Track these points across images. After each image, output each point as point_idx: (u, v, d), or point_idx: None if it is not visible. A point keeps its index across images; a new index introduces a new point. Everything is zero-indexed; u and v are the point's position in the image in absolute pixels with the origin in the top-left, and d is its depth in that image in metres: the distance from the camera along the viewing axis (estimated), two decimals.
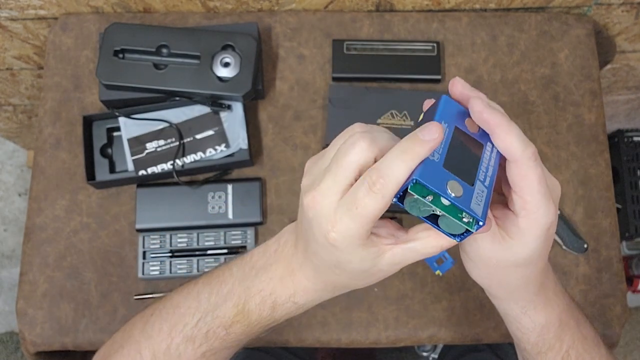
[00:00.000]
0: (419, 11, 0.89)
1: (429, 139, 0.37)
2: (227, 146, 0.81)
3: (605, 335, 0.78)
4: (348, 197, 0.38)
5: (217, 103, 0.80)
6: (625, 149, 1.41)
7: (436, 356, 1.19)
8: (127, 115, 0.81)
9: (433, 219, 0.39)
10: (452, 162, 0.38)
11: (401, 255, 0.41)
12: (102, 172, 0.81)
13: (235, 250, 0.80)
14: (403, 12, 0.89)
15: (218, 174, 0.82)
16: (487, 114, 0.39)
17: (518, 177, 0.39)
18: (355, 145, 0.39)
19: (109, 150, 0.82)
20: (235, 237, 0.80)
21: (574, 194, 0.83)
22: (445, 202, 0.37)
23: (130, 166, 0.80)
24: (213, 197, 0.80)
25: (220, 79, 0.78)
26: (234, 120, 0.81)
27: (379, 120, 0.82)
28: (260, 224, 0.81)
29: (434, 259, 0.80)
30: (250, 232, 0.80)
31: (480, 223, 0.37)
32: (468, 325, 0.78)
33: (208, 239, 0.80)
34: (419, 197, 0.37)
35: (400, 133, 0.80)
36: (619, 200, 1.37)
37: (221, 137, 0.81)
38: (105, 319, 0.78)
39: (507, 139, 0.39)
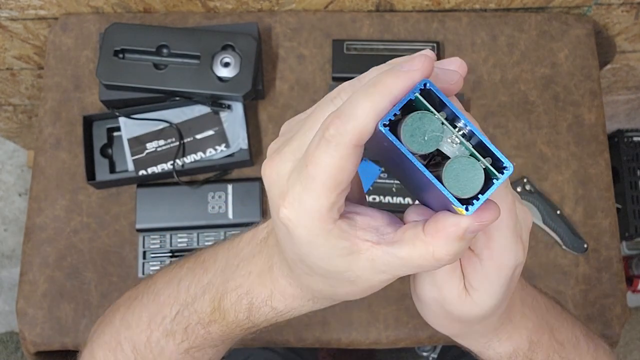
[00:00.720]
0: (419, 11, 0.89)
1: (413, 68, 0.26)
2: (227, 146, 0.81)
3: (605, 335, 0.78)
4: (302, 156, 0.28)
5: (217, 103, 0.80)
6: (625, 149, 1.41)
7: (436, 356, 1.19)
8: (127, 115, 0.81)
9: (435, 169, 0.27)
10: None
11: (383, 261, 0.29)
12: (102, 172, 0.81)
13: None
14: (403, 12, 0.89)
15: (218, 174, 0.82)
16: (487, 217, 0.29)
17: (491, 236, 0.32)
18: (337, 98, 0.29)
19: (109, 150, 0.82)
20: None
21: (574, 194, 0.83)
22: (462, 126, 0.26)
23: (131, 166, 0.80)
24: (213, 197, 0.80)
25: (220, 79, 0.78)
26: (234, 120, 0.81)
27: None
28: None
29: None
30: None
31: (508, 168, 0.26)
32: None
33: (208, 239, 0.80)
34: (429, 112, 0.26)
35: None
36: (619, 200, 1.37)
37: (221, 137, 0.81)
38: None
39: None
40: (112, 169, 0.82)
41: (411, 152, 0.26)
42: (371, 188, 0.81)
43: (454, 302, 0.34)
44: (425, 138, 0.26)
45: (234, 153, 0.81)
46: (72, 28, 0.87)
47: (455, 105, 0.26)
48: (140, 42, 0.79)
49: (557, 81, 0.86)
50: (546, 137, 0.85)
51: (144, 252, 0.79)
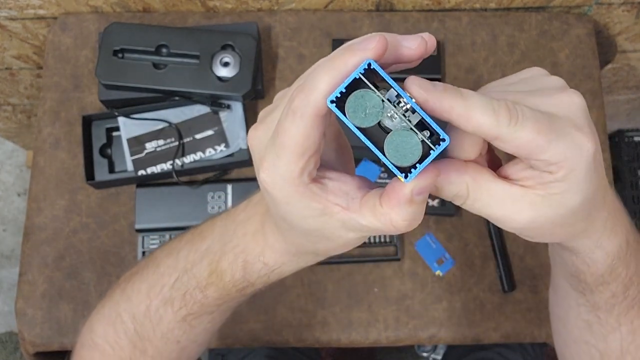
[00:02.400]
0: (419, 11, 0.88)
1: (364, 47, 0.29)
2: (227, 146, 0.80)
3: None
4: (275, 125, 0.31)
5: (216, 103, 0.80)
6: (625, 148, 1.42)
7: (437, 357, 1.19)
8: (127, 115, 0.80)
9: (378, 141, 0.29)
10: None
11: (352, 224, 0.33)
12: (101, 172, 0.81)
13: None
14: (403, 11, 0.88)
15: (218, 174, 0.82)
16: (435, 98, 0.31)
17: (513, 149, 0.31)
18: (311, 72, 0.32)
19: (109, 150, 0.82)
20: None
21: None
22: (402, 105, 0.29)
23: (130, 166, 0.80)
24: (213, 197, 0.80)
25: (219, 78, 0.78)
26: (233, 120, 0.81)
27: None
28: None
29: (434, 259, 0.79)
30: None
31: (446, 141, 0.29)
32: (468, 325, 0.78)
33: None
34: (370, 90, 0.29)
35: None
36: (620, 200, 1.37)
37: (221, 137, 0.81)
38: None
39: (473, 120, 0.30)
40: (112, 169, 0.81)
41: (355, 126, 0.29)
42: None
43: (539, 212, 0.33)
44: (367, 113, 0.28)
45: (233, 153, 0.81)
46: (71, 28, 0.86)
47: (398, 84, 0.29)
48: (139, 42, 0.79)
49: None
50: None
51: (144, 253, 0.79)
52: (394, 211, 0.31)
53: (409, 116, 0.29)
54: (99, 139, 0.82)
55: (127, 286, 0.48)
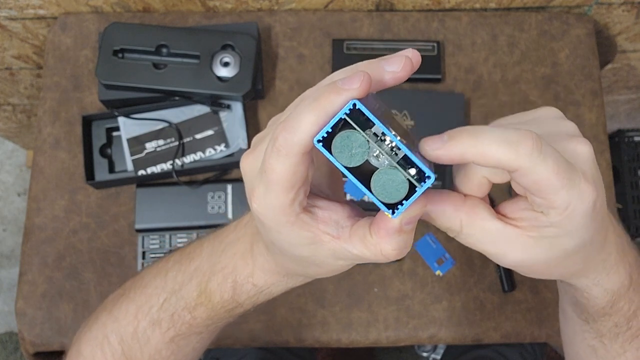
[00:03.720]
0: (419, 11, 0.88)
1: (349, 87, 0.28)
2: (227, 146, 0.80)
3: None
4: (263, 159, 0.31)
5: (216, 103, 0.80)
6: (625, 148, 1.41)
7: (437, 357, 1.19)
8: (127, 115, 0.80)
9: (365, 179, 0.30)
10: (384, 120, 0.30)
11: (341, 252, 0.33)
12: (101, 172, 0.81)
13: None
14: (403, 11, 0.88)
15: (218, 173, 0.82)
16: (445, 152, 0.31)
17: (528, 182, 0.31)
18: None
19: (109, 150, 0.82)
20: None
21: None
22: (387, 143, 0.29)
23: (130, 166, 0.80)
24: (213, 197, 0.80)
25: (219, 78, 0.78)
26: (233, 120, 0.81)
27: None
28: None
29: (434, 259, 0.79)
30: None
31: (430, 179, 0.29)
32: (468, 325, 0.78)
33: None
34: (356, 130, 0.29)
35: None
36: (620, 200, 1.37)
37: (221, 137, 0.81)
38: None
39: (489, 155, 0.30)
40: (112, 169, 0.82)
41: (342, 165, 0.29)
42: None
43: (536, 252, 0.34)
44: (352, 153, 0.29)
45: (233, 153, 0.81)
46: (72, 27, 0.86)
47: (383, 122, 0.28)
48: (139, 42, 0.79)
49: (558, 81, 0.86)
50: None
51: (144, 253, 0.79)
52: (383, 241, 0.32)
53: (395, 153, 0.29)
54: (99, 139, 0.82)
55: (114, 308, 0.48)
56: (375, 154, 0.29)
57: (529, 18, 0.88)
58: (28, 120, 1.32)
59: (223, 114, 0.81)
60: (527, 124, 0.36)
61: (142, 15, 0.87)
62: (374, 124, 0.29)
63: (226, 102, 0.81)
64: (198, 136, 0.81)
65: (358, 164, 0.29)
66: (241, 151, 0.80)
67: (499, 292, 0.79)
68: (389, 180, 0.29)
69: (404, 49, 0.34)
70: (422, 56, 0.88)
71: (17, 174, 1.67)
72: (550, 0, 0.87)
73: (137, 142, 0.80)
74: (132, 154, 0.80)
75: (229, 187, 0.81)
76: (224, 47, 0.79)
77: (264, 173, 0.30)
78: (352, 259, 0.33)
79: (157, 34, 0.79)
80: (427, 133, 0.80)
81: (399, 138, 0.29)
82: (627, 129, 1.43)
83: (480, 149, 0.30)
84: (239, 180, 0.81)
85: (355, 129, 0.29)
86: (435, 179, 0.29)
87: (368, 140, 0.29)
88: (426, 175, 0.29)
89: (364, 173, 0.29)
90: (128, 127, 0.81)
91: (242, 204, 0.80)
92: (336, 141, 0.29)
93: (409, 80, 0.86)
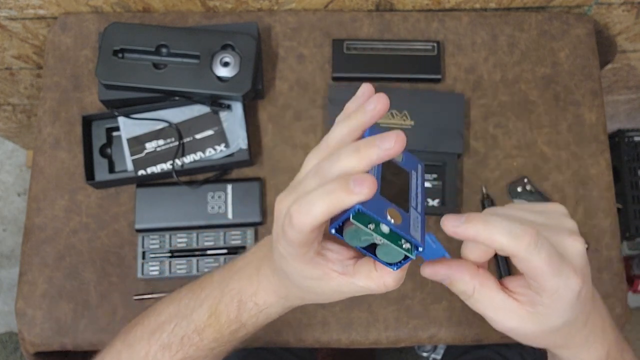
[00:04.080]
0: (419, 11, 0.88)
1: (359, 191, 0.34)
2: (227, 146, 0.80)
3: None
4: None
5: (216, 103, 0.80)
6: (625, 148, 1.41)
7: (437, 357, 1.19)
8: (127, 115, 0.80)
9: (371, 249, 0.38)
10: (387, 190, 0.38)
11: (347, 286, 0.40)
12: (101, 172, 0.81)
13: (235, 251, 0.80)
14: (403, 11, 0.88)
15: (218, 173, 0.82)
16: (462, 231, 0.38)
17: (524, 267, 0.39)
18: (316, 175, 0.38)
19: (109, 150, 0.82)
20: (235, 237, 0.80)
21: (574, 194, 0.82)
22: (386, 229, 0.37)
23: (130, 166, 0.80)
24: (213, 197, 0.80)
25: (219, 78, 0.78)
26: (233, 120, 0.81)
27: (378, 120, 0.82)
28: (260, 224, 0.80)
29: (435, 258, 0.79)
30: (250, 232, 0.80)
31: (420, 249, 0.37)
32: (468, 325, 0.78)
33: (208, 239, 0.80)
34: (360, 227, 0.36)
35: None
36: (620, 200, 1.37)
37: (221, 137, 0.81)
38: (105, 319, 0.78)
39: (496, 241, 0.38)
40: (112, 169, 0.82)
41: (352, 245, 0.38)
42: None
43: (526, 324, 0.42)
44: (361, 239, 0.37)
45: (233, 153, 0.81)
46: (71, 27, 0.86)
47: (385, 217, 0.36)
48: (139, 42, 0.79)
49: (558, 81, 0.86)
50: (547, 137, 0.84)
51: (144, 253, 0.79)
52: (387, 275, 0.39)
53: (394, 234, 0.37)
54: (99, 139, 0.82)
55: (129, 336, 0.52)
56: (378, 239, 0.37)
57: (529, 18, 0.88)
58: (28, 120, 1.32)
59: (223, 114, 0.81)
60: (536, 214, 0.43)
61: (142, 15, 0.87)
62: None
63: (226, 102, 0.81)
64: (198, 136, 0.81)
65: (366, 245, 0.38)
66: (241, 151, 0.80)
67: None
68: (389, 251, 0.38)
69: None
70: (422, 56, 0.88)
71: (17, 174, 1.67)
72: (550, 0, 0.87)
73: (137, 142, 0.80)
74: (132, 154, 0.80)
75: (229, 187, 0.81)
76: (224, 47, 0.79)
77: (285, 235, 0.37)
78: (354, 290, 0.41)
79: (157, 34, 0.79)
80: (427, 133, 0.82)
81: (393, 222, 0.36)
82: (627, 129, 1.43)
83: (490, 235, 0.38)
84: (239, 180, 0.81)
85: (360, 228, 0.36)
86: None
87: (372, 233, 0.36)
88: (418, 247, 0.37)
89: (371, 244, 0.38)
90: (128, 127, 0.81)
91: (241, 204, 0.80)
92: (347, 233, 0.37)
93: (409, 80, 0.86)
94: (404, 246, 0.37)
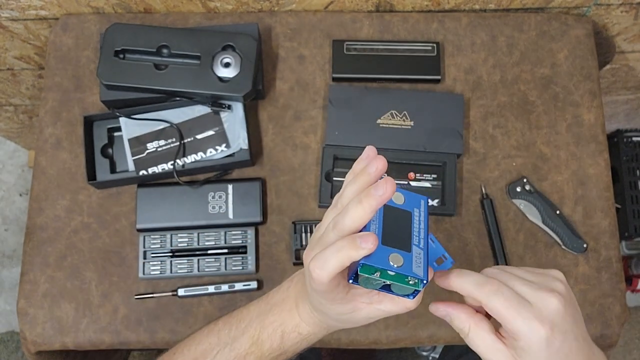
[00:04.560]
0: (418, 11, 0.89)
1: (364, 247, 0.42)
2: (228, 146, 0.81)
3: (605, 335, 0.79)
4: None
5: (217, 103, 0.81)
6: (624, 149, 1.42)
7: (436, 356, 1.20)
8: (128, 116, 0.81)
9: (386, 287, 0.45)
10: (389, 236, 0.45)
11: (375, 312, 0.49)
12: (102, 172, 0.81)
13: (236, 250, 0.80)
14: (403, 12, 0.89)
15: (218, 173, 0.82)
16: (441, 282, 0.49)
17: (490, 312, 0.46)
18: (331, 232, 0.45)
19: (110, 151, 0.83)
20: (235, 237, 0.80)
21: (573, 194, 0.83)
22: (392, 272, 0.43)
23: (131, 166, 0.80)
24: (213, 197, 0.81)
25: (220, 79, 0.78)
26: (234, 120, 0.81)
27: (378, 121, 0.82)
28: (261, 223, 0.81)
29: (434, 258, 0.80)
30: (250, 231, 0.80)
31: (425, 282, 0.43)
32: None
33: (208, 239, 0.80)
34: (368, 276, 0.43)
35: (399, 134, 0.80)
36: (618, 200, 1.37)
37: (221, 137, 0.81)
38: (106, 318, 0.78)
39: (464, 289, 0.48)
40: (113, 169, 0.82)
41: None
42: None
43: None
44: (373, 284, 0.44)
45: (234, 153, 0.81)
46: (73, 28, 0.87)
47: (388, 264, 0.43)
48: (140, 43, 0.79)
49: (557, 81, 0.87)
50: (546, 137, 0.85)
51: (145, 252, 0.79)
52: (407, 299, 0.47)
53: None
54: (100, 139, 0.82)
55: None
56: (387, 281, 0.44)
57: (528, 19, 0.88)
58: (30, 121, 1.32)
59: (224, 115, 0.82)
60: (532, 274, 0.49)
61: (143, 16, 0.87)
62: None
63: (227, 102, 0.81)
64: (199, 136, 0.81)
65: (379, 287, 0.45)
66: (242, 151, 0.81)
67: None
68: (401, 287, 0.45)
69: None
70: (422, 57, 0.89)
71: (18, 174, 1.68)
72: (550, 1, 0.88)
73: (138, 142, 0.81)
74: (133, 154, 0.80)
75: (230, 187, 0.81)
76: (225, 48, 0.79)
77: (310, 286, 0.47)
78: (381, 315, 0.49)
79: (158, 35, 0.79)
80: (427, 133, 0.83)
81: (396, 266, 0.43)
82: (625, 129, 1.43)
83: (460, 284, 0.48)
84: (240, 180, 0.82)
85: (369, 276, 0.44)
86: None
87: (383, 280, 0.44)
88: (424, 281, 0.43)
89: (384, 284, 0.45)
90: (129, 128, 0.81)
91: (242, 204, 0.80)
92: (361, 281, 0.44)
93: (409, 81, 0.86)
94: (410, 282, 0.44)
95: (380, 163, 0.45)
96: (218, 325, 0.58)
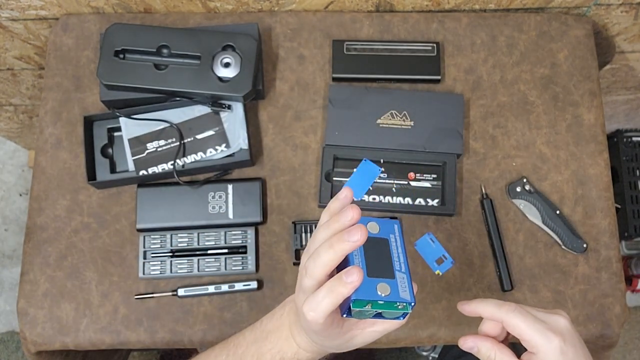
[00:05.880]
0: (418, 11, 0.89)
1: (350, 280, 0.44)
2: (228, 146, 0.81)
3: (605, 335, 0.79)
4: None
5: (217, 103, 0.81)
6: (624, 149, 1.42)
7: (436, 356, 1.20)
8: (128, 116, 0.81)
9: (379, 315, 0.48)
10: (372, 267, 0.48)
11: (370, 335, 0.52)
12: (102, 172, 0.81)
13: (236, 250, 0.80)
14: (403, 12, 0.89)
15: (218, 173, 0.82)
16: (465, 307, 0.56)
17: (512, 331, 0.53)
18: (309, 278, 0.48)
19: (110, 151, 0.83)
20: (235, 237, 0.80)
21: (573, 194, 0.83)
22: (381, 302, 0.46)
23: (131, 166, 0.80)
24: (213, 197, 0.81)
25: (220, 79, 0.78)
26: (234, 120, 0.81)
27: (378, 121, 0.82)
28: (261, 223, 0.81)
29: (434, 258, 0.80)
30: (250, 231, 0.80)
31: (413, 304, 0.47)
32: (467, 325, 0.78)
33: (208, 239, 0.80)
34: (361, 309, 0.46)
35: (399, 134, 0.80)
36: (618, 200, 1.37)
37: (221, 137, 0.81)
38: (106, 318, 0.78)
39: (487, 311, 0.54)
40: (113, 169, 0.82)
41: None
42: (371, 188, 0.81)
43: None
44: (366, 314, 0.47)
45: (234, 153, 0.81)
46: (73, 28, 0.87)
47: (376, 294, 0.46)
48: (140, 43, 0.79)
49: (557, 81, 0.87)
50: (545, 137, 0.85)
51: (145, 252, 0.79)
52: None
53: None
54: (100, 139, 0.82)
55: None
56: (378, 310, 0.47)
57: (528, 19, 0.89)
58: (30, 121, 1.32)
59: (224, 115, 0.82)
60: (539, 312, 0.54)
61: (143, 16, 0.87)
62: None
63: (227, 102, 0.81)
64: (199, 136, 0.81)
65: (373, 315, 0.48)
66: (242, 151, 0.81)
67: (498, 291, 0.79)
68: (391, 312, 0.48)
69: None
70: (422, 57, 0.89)
71: (19, 174, 1.68)
72: (549, 1, 0.88)
73: (138, 143, 0.81)
74: (133, 154, 0.80)
75: (230, 187, 0.81)
76: (225, 48, 0.79)
77: (306, 328, 0.50)
78: (375, 336, 0.52)
79: (158, 35, 0.79)
80: (427, 133, 0.84)
81: (383, 295, 0.46)
82: (625, 129, 1.43)
83: (483, 308, 0.54)
84: (240, 180, 0.82)
85: (361, 309, 0.46)
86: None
87: (375, 310, 0.47)
88: (411, 304, 0.47)
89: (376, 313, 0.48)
90: (129, 128, 0.81)
91: (242, 204, 0.80)
92: (354, 314, 0.47)
93: (409, 81, 0.86)
94: (399, 307, 0.47)
95: (356, 213, 0.47)
96: (214, 351, 0.59)
